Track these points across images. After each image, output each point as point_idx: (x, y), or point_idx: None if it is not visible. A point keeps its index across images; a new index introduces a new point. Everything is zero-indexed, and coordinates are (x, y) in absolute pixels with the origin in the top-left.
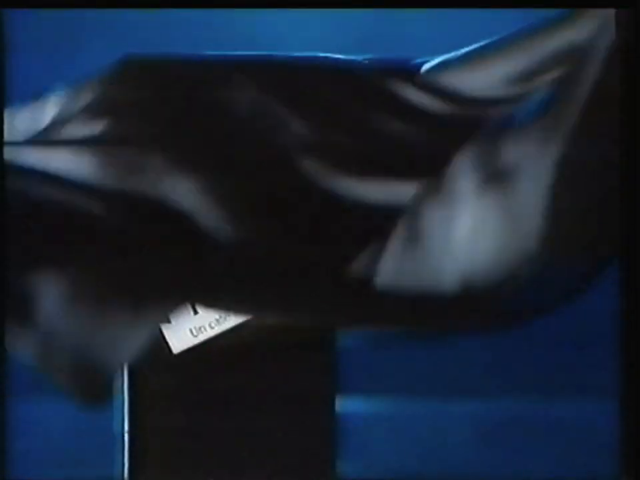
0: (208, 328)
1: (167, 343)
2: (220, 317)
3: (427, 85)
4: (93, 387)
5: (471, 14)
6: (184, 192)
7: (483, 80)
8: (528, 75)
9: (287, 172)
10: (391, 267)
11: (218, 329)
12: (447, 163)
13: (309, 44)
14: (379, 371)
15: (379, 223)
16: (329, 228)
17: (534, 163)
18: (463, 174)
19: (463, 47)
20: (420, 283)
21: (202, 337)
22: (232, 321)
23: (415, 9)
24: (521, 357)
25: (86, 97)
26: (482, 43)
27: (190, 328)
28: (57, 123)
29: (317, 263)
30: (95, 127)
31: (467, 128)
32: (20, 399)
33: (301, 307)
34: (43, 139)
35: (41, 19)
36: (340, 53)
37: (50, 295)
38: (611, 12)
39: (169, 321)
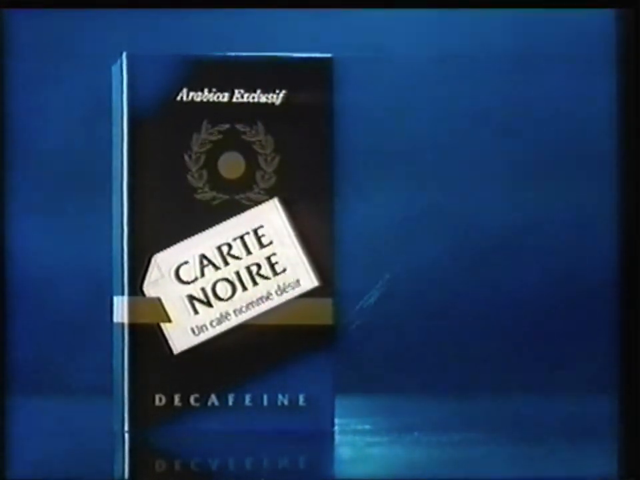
0: (209, 327)
1: (167, 342)
2: (221, 315)
3: None
4: None
5: (472, 14)
6: None
7: None
8: None
9: None
10: None
11: (219, 328)
12: None
13: (308, 44)
14: (379, 371)
15: None
16: None
17: None
18: None
19: (462, 47)
20: None
21: (203, 337)
22: (233, 320)
23: (415, 9)
24: (521, 356)
25: None
26: None
27: (191, 327)
28: None
29: None
30: None
31: None
32: (20, 399)
33: None
34: None
35: (41, 19)
36: (339, 53)
37: None
38: None
39: (169, 320)
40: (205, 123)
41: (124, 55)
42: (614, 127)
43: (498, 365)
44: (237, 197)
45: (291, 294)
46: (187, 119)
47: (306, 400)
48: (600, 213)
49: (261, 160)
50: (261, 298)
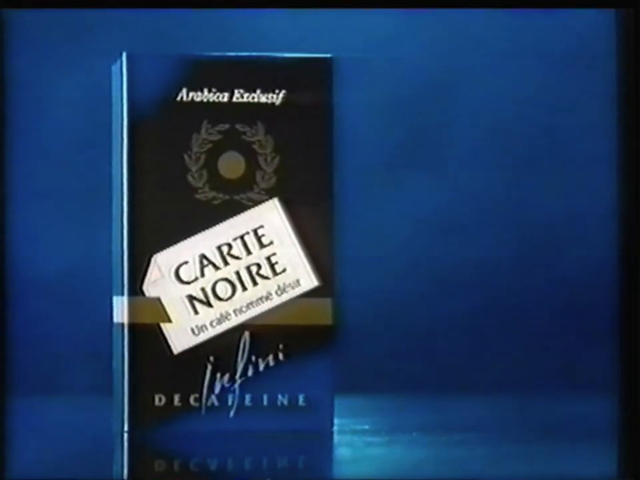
0: (209, 327)
1: (167, 342)
2: (221, 315)
3: None
4: None
5: (472, 14)
6: None
7: None
8: None
9: None
10: None
11: (219, 328)
12: None
13: (308, 44)
14: (379, 371)
15: None
16: None
17: None
18: None
19: (462, 47)
20: None
21: (203, 337)
22: (233, 320)
23: (415, 9)
24: (521, 356)
25: None
26: None
27: (191, 327)
28: None
29: None
30: None
31: None
32: (20, 399)
33: None
34: None
35: (41, 19)
36: (339, 53)
37: None
38: None
39: (169, 320)
40: (204, 122)
41: (124, 55)
42: (614, 127)
43: (498, 365)
44: (236, 197)
45: (291, 294)
46: (187, 119)
47: (305, 400)
48: (600, 212)
49: (261, 160)
50: (260, 298)
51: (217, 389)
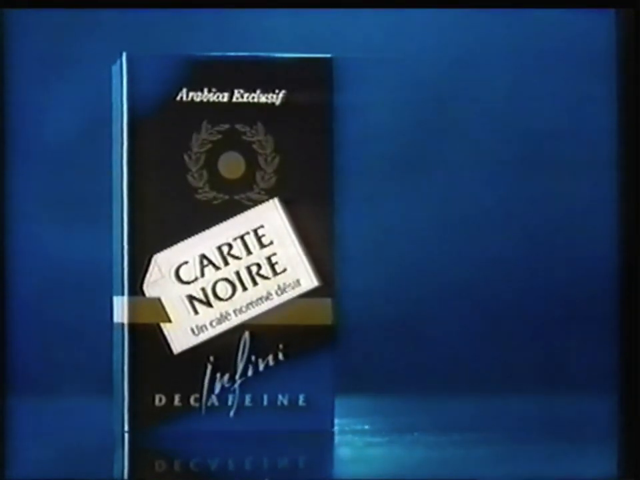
0: (209, 327)
1: (167, 342)
2: (221, 315)
3: None
4: None
5: (472, 14)
6: None
7: None
8: None
9: None
10: None
11: (219, 328)
12: None
13: (309, 44)
14: (379, 371)
15: None
16: None
17: None
18: None
19: (462, 47)
20: None
21: (203, 337)
22: (233, 320)
23: (415, 9)
24: (521, 356)
25: None
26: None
27: (191, 327)
28: None
29: None
30: None
31: None
32: (20, 399)
33: None
34: None
35: (41, 19)
36: (339, 53)
37: None
38: None
39: (169, 320)
40: (204, 123)
41: (124, 55)
42: (614, 127)
43: (498, 365)
44: (236, 197)
45: (291, 294)
46: (187, 119)
47: (306, 400)
48: (600, 213)
49: (261, 160)
50: (260, 298)
51: (217, 389)
